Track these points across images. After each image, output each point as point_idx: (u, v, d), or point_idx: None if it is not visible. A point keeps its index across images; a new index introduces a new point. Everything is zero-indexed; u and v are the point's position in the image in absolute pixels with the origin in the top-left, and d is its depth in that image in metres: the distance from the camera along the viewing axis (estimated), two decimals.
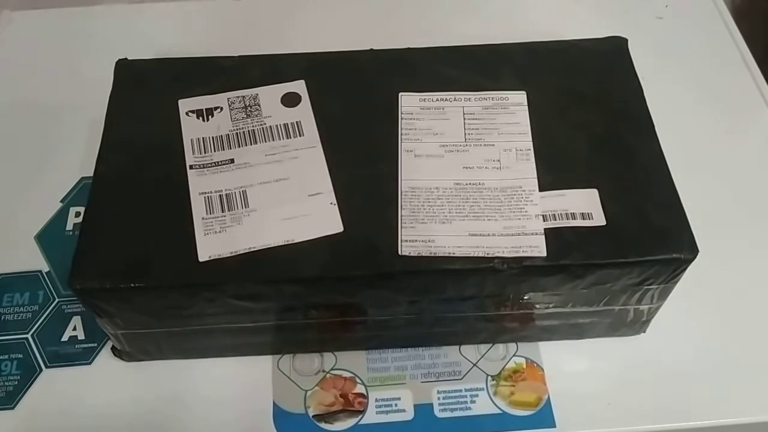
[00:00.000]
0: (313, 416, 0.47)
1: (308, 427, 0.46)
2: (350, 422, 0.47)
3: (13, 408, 0.47)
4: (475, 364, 0.49)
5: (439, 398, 0.47)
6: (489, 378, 0.48)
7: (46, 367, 0.48)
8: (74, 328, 0.50)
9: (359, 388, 0.48)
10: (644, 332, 0.49)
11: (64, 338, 0.49)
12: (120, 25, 0.70)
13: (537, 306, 0.45)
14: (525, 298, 0.44)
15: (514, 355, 0.49)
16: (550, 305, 0.45)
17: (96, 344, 0.49)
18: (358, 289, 0.43)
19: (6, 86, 0.65)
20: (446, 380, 0.48)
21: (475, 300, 0.44)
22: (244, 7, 0.71)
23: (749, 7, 0.93)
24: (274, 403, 0.47)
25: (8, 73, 0.66)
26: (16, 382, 0.48)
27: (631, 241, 0.42)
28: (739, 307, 0.51)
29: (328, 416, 0.47)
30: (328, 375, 0.48)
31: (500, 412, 0.47)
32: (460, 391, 0.48)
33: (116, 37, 0.68)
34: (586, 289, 0.43)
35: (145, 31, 0.68)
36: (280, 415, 0.47)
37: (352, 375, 0.48)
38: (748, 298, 0.51)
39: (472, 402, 0.47)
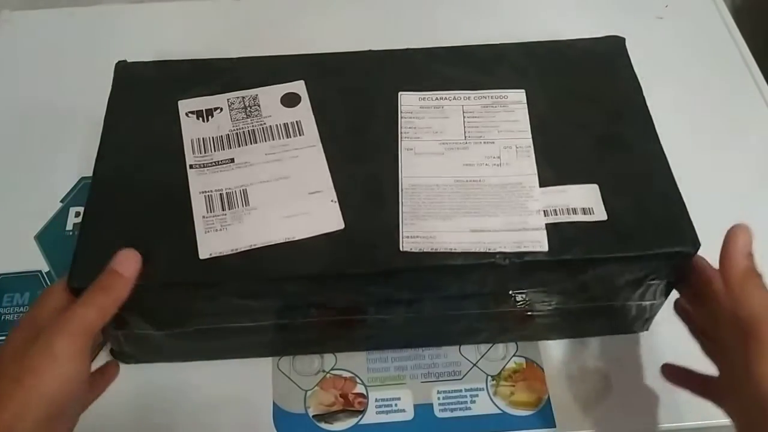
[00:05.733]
0: (313, 416, 0.47)
1: (308, 427, 0.46)
2: (350, 422, 0.47)
3: None
4: (475, 364, 0.49)
5: (439, 398, 0.47)
6: (489, 378, 0.48)
7: None
8: None
9: (359, 388, 0.48)
10: (647, 330, 0.49)
11: None
12: (120, 25, 0.70)
13: (539, 303, 0.45)
14: (527, 295, 0.44)
15: (514, 355, 0.49)
16: (552, 302, 0.45)
17: None
18: (359, 286, 0.43)
19: (6, 86, 0.65)
20: (446, 380, 0.48)
21: (477, 298, 0.44)
22: (244, 7, 0.71)
23: (749, 6, 0.93)
24: (274, 403, 0.47)
25: (8, 73, 0.66)
26: None
27: (633, 236, 0.42)
28: None
29: (328, 416, 0.47)
30: (328, 375, 0.48)
31: (500, 412, 0.47)
32: (460, 391, 0.48)
33: (116, 37, 0.68)
34: (588, 284, 0.43)
35: (145, 31, 0.68)
36: (280, 415, 0.47)
37: (352, 375, 0.48)
38: None
39: (472, 402, 0.47)
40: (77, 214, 0.55)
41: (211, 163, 0.45)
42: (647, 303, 0.46)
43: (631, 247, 0.41)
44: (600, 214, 0.42)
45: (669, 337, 0.49)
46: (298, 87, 0.49)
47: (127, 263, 0.39)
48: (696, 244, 0.41)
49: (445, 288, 0.43)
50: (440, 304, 0.45)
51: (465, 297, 0.44)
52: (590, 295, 0.45)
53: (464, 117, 0.47)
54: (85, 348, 0.37)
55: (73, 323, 0.36)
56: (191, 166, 0.45)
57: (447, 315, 0.46)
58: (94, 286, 0.38)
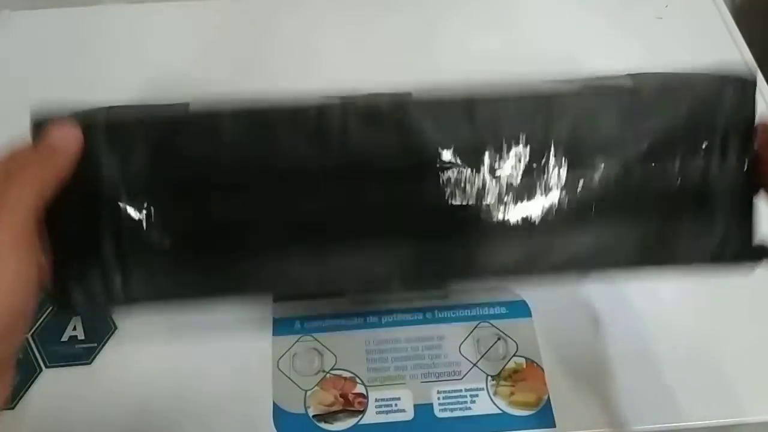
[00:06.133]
0: (313, 416, 0.47)
1: (308, 427, 0.46)
2: (350, 422, 0.47)
3: (13, 408, 0.47)
4: (475, 364, 0.49)
5: (439, 398, 0.47)
6: (489, 378, 0.48)
7: (46, 367, 0.48)
8: (74, 328, 0.50)
9: (359, 388, 0.48)
10: (753, 269, 0.37)
11: (64, 338, 0.50)
12: (120, 24, 0.70)
13: (585, 158, 0.36)
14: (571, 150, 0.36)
15: (514, 355, 0.49)
16: (604, 160, 0.36)
17: (96, 344, 0.49)
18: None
19: (6, 86, 0.65)
20: (446, 380, 0.48)
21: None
22: (245, 7, 0.71)
23: (749, 7, 0.93)
24: (274, 403, 0.47)
25: (8, 73, 0.66)
26: (16, 382, 0.48)
27: (675, 75, 0.38)
28: (737, 307, 0.51)
29: (328, 416, 0.47)
30: (328, 375, 0.48)
31: (500, 412, 0.47)
32: (460, 391, 0.48)
33: (116, 36, 0.68)
34: (642, 126, 0.36)
35: (145, 31, 0.68)
36: (280, 415, 0.47)
37: (352, 375, 0.48)
38: (751, 300, 0.51)
39: (472, 402, 0.47)
40: None
41: None
42: (725, 185, 0.36)
43: (673, 76, 0.37)
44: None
45: (664, 338, 0.49)
46: None
47: (64, 136, 0.34)
48: (750, 74, 0.36)
49: None
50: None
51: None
52: (645, 154, 0.36)
53: None
54: (31, 238, 0.30)
55: (7, 207, 0.29)
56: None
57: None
58: (26, 159, 0.32)
